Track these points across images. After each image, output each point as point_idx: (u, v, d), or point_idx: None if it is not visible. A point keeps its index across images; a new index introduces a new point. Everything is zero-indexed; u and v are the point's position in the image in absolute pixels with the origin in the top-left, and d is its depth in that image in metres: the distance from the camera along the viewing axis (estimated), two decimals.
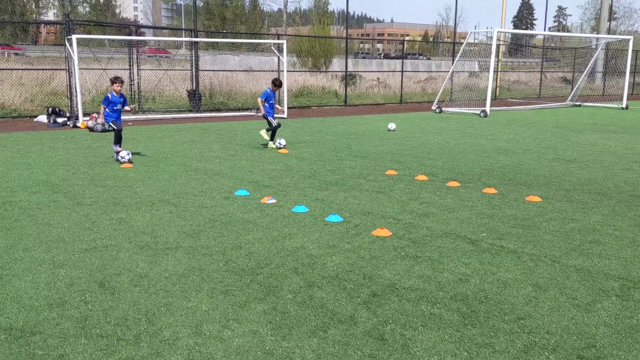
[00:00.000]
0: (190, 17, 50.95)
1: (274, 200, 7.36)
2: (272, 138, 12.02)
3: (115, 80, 10.35)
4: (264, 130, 12.00)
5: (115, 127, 10.26)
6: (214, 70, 23.19)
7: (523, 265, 5.13)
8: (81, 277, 4.74)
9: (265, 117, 11.97)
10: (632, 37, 27.22)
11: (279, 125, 12.00)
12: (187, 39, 22.77)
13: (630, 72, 26.88)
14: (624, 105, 25.18)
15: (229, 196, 7.64)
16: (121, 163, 9.77)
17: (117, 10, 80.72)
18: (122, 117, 10.78)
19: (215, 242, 5.70)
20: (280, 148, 11.77)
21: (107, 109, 10.28)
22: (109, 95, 10.30)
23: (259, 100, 12.06)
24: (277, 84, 11.94)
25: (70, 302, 4.26)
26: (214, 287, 4.55)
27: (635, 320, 4.07)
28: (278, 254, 5.35)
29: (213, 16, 62.17)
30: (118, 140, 10.27)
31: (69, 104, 17.20)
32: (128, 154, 9.92)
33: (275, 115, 12.03)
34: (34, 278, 4.70)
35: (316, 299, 4.36)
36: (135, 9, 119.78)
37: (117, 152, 10.08)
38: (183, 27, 59.21)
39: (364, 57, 59.53)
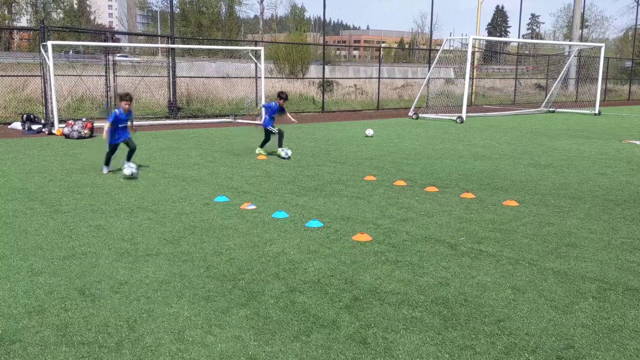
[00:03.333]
0: (166, 23, 50.71)
1: (253, 206, 7.35)
2: (262, 145, 12.22)
3: (124, 97, 9.49)
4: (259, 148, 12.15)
5: (110, 150, 9.57)
6: (190, 77, 23.10)
7: (502, 269, 5.21)
8: (60, 284, 4.69)
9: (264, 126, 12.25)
10: (603, 44, 27.76)
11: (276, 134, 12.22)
12: (164, 45, 22.64)
13: (602, 79, 27.38)
14: (597, 111, 25.64)
15: (208, 202, 7.62)
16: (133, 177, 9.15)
17: (92, 17, 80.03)
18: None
19: (195, 248, 5.68)
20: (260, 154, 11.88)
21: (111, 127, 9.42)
22: (117, 111, 9.38)
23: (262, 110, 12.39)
24: (282, 96, 12.19)
25: (50, 309, 4.21)
26: (196, 293, 4.54)
27: (612, 320, 4.16)
28: (259, 260, 5.36)
29: (189, 23, 61.96)
30: (107, 161, 9.63)
31: (44, 111, 17.00)
32: (132, 166, 9.23)
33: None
34: (12, 286, 4.64)
35: (298, 303, 4.37)
36: (111, 15, 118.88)
37: (110, 171, 9.47)
38: (159, 33, 58.85)
39: None
